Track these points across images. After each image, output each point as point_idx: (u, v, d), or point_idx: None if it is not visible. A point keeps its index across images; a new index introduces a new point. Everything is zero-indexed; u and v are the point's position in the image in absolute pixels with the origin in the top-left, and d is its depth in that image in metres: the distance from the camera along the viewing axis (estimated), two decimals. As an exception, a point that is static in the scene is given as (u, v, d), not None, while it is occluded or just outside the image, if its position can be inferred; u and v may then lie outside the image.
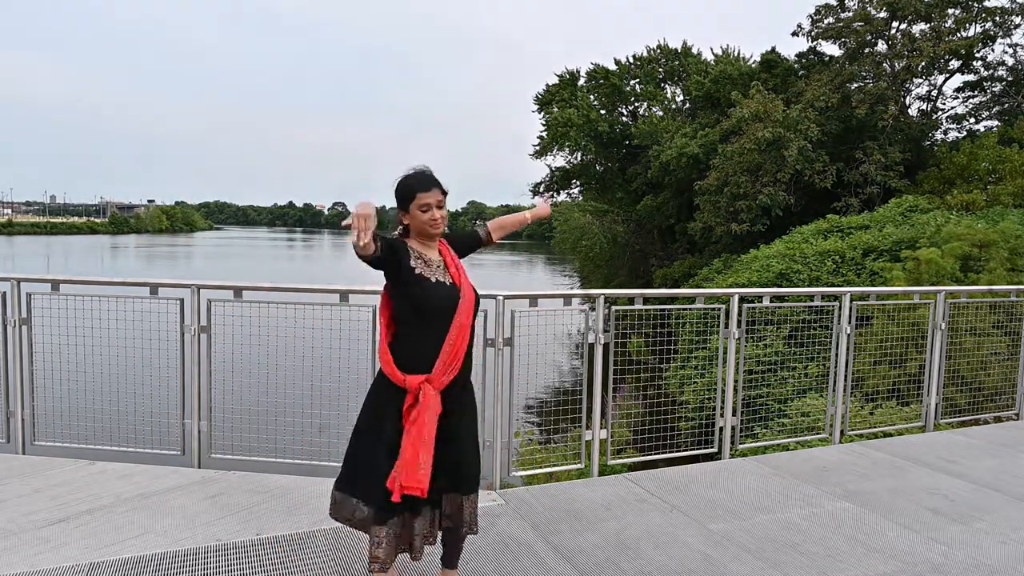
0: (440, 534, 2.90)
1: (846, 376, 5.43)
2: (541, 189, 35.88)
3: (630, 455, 5.67)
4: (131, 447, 4.40)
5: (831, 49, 26.08)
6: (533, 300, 4.39)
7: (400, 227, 2.81)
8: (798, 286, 15.12)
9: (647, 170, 28.26)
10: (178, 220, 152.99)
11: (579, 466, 4.72)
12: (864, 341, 6.50)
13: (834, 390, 5.41)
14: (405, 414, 2.64)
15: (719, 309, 5.00)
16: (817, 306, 5.57)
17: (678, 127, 27.31)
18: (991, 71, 24.80)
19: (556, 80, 33.71)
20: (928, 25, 22.97)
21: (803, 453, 5.06)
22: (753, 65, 28.17)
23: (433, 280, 2.68)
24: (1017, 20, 23.09)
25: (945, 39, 22.21)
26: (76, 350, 4.34)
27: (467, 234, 3.04)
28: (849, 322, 5.37)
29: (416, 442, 2.58)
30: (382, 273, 2.68)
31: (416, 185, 2.70)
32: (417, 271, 2.68)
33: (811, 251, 16.44)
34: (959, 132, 25.42)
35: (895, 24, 23.58)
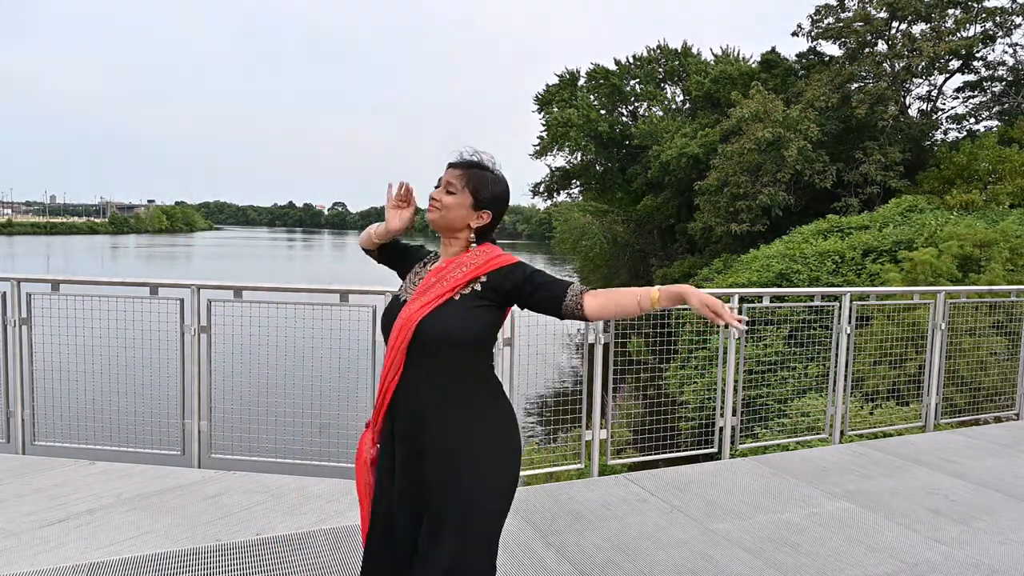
0: None
1: (846, 376, 5.43)
2: (541, 189, 35.90)
3: (630, 455, 5.67)
4: (131, 447, 4.40)
5: (831, 49, 26.12)
6: (533, 300, 4.38)
7: None
8: (798, 286, 15.12)
9: (647, 170, 28.27)
10: (178, 220, 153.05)
11: (579, 466, 4.72)
12: (864, 341, 6.51)
13: (834, 390, 5.41)
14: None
15: (719, 309, 4.99)
16: (817, 306, 5.58)
17: (678, 127, 27.32)
18: (991, 71, 24.81)
19: (556, 80, 33.71)
20: (928, 25, 22.99)
21: (803, 453, 5.06)
22: (753, 65, 28.18)
23: (396, 294, 2.19)
24: (1017, 20, 23.10)
25: (945, 39, 22.22)
26: (76, 350, 4.34)
27: (548, 284, 2.00)
28: (849, 322, 5.37)
29: (364, 497, 2.20)
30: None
31: (452, 160, 2.12)
32: (405, 281, 2.22)
33: (811, 251, 16.44)
34: (959, 132, 25.43)
35: (895, 24, 23.59)
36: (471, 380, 2.04)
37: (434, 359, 1.99)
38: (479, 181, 2.05)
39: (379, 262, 2.34)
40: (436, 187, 2.08)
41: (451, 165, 2.08)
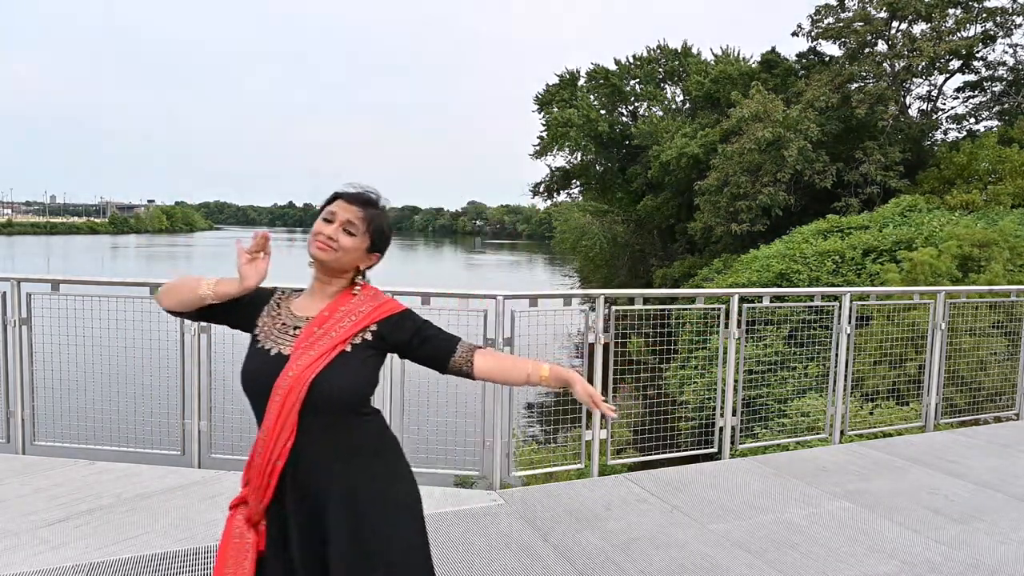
0: None
1: (846, 376, 5.43)
2: (541, 189, 35.90)
3: (630, 455, 5.67)
4: (131, 447, 4.40)
5: (831, 49, 26.11)
6: (533, 300, 4.39)
7: None
8: (798, 286, 15.13)
9: (647, 170, 28.26)
10: (178, 220, 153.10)
11: (579, 466, 4.72)
12: (864, 341, 6.51)
13: (834, 390, 5.41)
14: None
15: (719, 309, 5.00)
16: (817, 306, 5.58)
17: (678, 127, 27.31)
18: (991, 71, 24.81)
19: (556, 80, 33.71)
20: (928, 25, 22.97)
21: (803, 453, 5.06)
22: (753, 65, 28.17)
23: (260, 345, 1.84)
24: (1017, 20, 23.10)
25: (945, 39, 22.21)
26: (76, 350, 4.35)
27: (437, 337, 1.92)
28: (849, 322, 5.37)
29: None
30: None
31: (339, 192, 1.90)
32: (256, 331, 1.87)
33: (811, 251, 16.44)
34: (959, 132, 25.43)
35: (895, 24, 23.58)
36: (375, 434, 1.88)
37: (327, 419, 1.77)
38: (379, 224, 1.88)
39: (193, 320, 1.94)
40: (328, 221, 1.84)
41: (347, 200, 1.86)
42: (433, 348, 1.90)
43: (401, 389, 4.27)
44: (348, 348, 1.81)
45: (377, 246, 1.90)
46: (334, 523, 1.77)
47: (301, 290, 1.96)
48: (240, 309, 1.88)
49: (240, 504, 1.81)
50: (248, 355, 1.84)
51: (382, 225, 1.89)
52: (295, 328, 1.84)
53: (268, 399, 1.74)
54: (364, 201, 1.87)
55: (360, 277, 1.92)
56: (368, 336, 1.85)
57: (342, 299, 1.88)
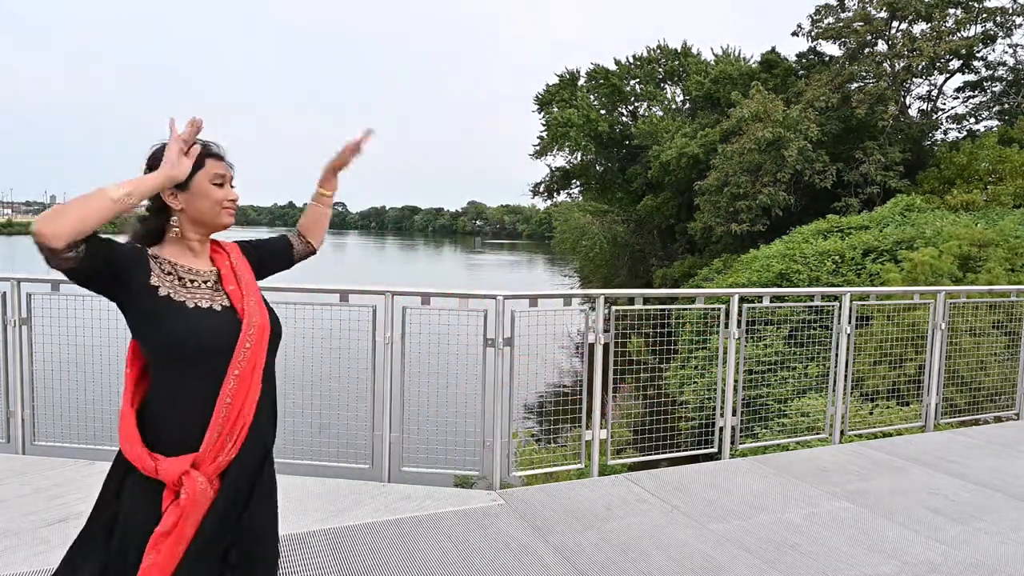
0: None
1: (846, 376, 5.43)
2: (541, 189, 35.90)
3: (630, 455, 5.67)
4: (131, 447, 4.39)
5: (831, 49, 26.11)
6: (533, 300, 4.39)
7: (143, 220, 1.86)
8: (798, 286, 15.13)
9: (647, 170, 28.27)
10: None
11: (579, 466, 4.72)
12: (864, 341, 6.51)
13: (834, 390, 5.41)
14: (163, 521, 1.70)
15: (719, 309, 5.00)
16: (817, 306, 5.58)
17: (678, 127, 27.31)
18: (991, 71, 24.82)
19: (556, 80, 33.71)
20: (928, 25, 22.97)
21: (803, 453, 5.06)
22: (753, 65, 28.17)
23: (192, 305, 1.78)
24: (1018, 20, 23.10)
25: (945, 39, 22.21)
26: (76, 350, 4.34)
27: (272, 240, 2.16)
28: (849, 322, 5.37)
29: (167, 564, 1.68)
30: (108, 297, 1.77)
31: (205, 150, 1.82)
32: (163, 292, 1.76)
33: (811, 251, 16.44)
34: (959, 132, 25.44)
35: (895, 24, 23.58)
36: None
37: (271, 366, 1.89)
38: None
39: (74, 277, 1.65)
40: (219, 185, 1.83)
41: (219, 158, 1.86)
42: (276, 248, 2.15)
43: (401, 389, 4.28)
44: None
45: None
46: (267, 475, 1.91)
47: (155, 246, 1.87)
48: (120, 261, 1.72)
49: (188, 471, 1.71)
50: (182, 315, 1.75)
51: None
52: (205, 283, 1.85)
53: (232, 354, 1.76)
54: (224, 155, 1.89)
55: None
56: None
57: (215, 249, 1.95)
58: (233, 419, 1.75)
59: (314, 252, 2.25)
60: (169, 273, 1.80)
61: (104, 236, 1.66)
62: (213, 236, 1.95)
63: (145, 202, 1.81)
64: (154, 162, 1.79)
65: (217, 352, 1.76)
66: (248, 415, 1.79)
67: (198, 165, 1.79)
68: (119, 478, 1.77)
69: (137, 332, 1.79)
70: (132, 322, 1.79)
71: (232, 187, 1.88)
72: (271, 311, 1.92)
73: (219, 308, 1.82)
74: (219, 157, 1.86)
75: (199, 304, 1.80)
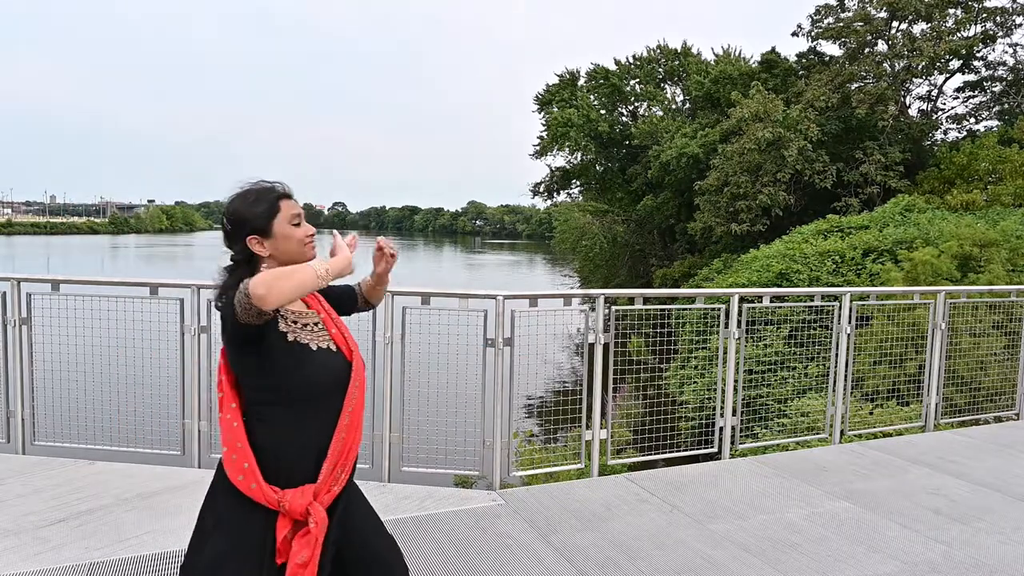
0: None
1: (846, 376, 5.43)
2: (541, 189, 35.90)
3: (630, 455, 5.67)
4: (131, 447, 4.40)
5: (831, 49, 26.12)
6: (533, 300, 4.39)
7: (231, 271, 1.89)
8: (798, 286, 15.13)
9: (647, 170, 28.27)
10: (178, 220, 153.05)
11: (579, 466, 4.72)
12: (864, 341, 6.51)
13: (834, 390, 5.41)
14: (280, 552, 1.81)
15: (719, 309, 5.00)
16: (817, 306, 5.57)
17: (678, 127, 27.32)
18: (991, 71, 24.84)
19: (556, 80, 33.72)
20: (928, 25, 22.98)
21: (803, 453, 5.06)
22: (753, 65, 28.17)
23: (315, 347, 1.89)
24: (1018, 20, 23.13)
25: (945, 39, 22.22)
26: (76, 350, 4.34)
27: (341, 287, 2.18)
28: (849, 322, 5.37)
29: None
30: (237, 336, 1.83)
31: (278, 191, 1.91)
32: (291, 337, 1.86)
33: (811, 251, 16.45)
34: (959, 132, 25.46)
35: (895, 24, 23.59)
36: None
37: None
38: None
39: (262, 323, 1.81)
40: (296, 225, 1.90)
41: (290, 197, 1.95)
42: (341, 293, 2.17)
43: (401, 389, 4.28)
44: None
45: None
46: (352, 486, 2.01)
47: None
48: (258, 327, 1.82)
49: (312, 504, 1.81)
50: (310, 357, 1.87)
51: None
52: (315, 324, 1.95)
53: (345, 392, 1.90)
54: (292, 194, 1.97)
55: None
56: None
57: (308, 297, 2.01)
58: (346, 452, 1.89)
59: (373, 308, 2.35)
60: (284, 317, 1.88)
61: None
62: None
63: (229, 252, 1.93)
64: (243, 203, 1.89)
65: (337, 390, 1.89)
66: (357, 447, 1.93)
67: (275, 210, 1.88)
68: (222, 515, 1.84)
69: (260, 373, 1.84)
70: (258, 363, 1.83)
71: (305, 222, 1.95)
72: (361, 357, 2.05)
73: (334, 348, 1.95)
74: (289, 196, 1.94)
75: (320, 346, 1.92)
